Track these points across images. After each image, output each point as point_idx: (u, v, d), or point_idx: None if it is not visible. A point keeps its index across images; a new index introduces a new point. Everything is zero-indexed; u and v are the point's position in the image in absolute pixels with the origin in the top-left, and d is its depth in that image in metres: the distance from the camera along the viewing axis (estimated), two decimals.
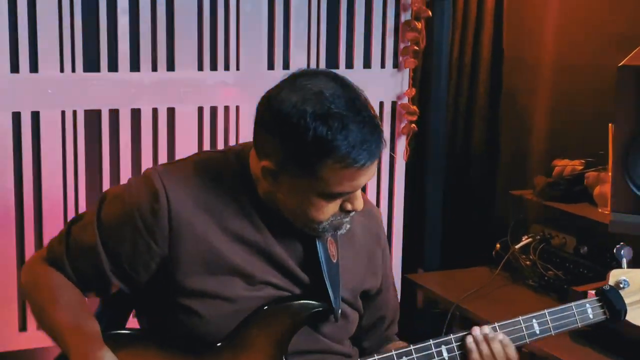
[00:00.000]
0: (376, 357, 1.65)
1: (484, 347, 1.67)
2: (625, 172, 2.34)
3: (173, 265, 1.63)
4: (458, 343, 1.68)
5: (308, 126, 1.50)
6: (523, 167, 3.16)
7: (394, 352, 1.66)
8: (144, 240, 1.62)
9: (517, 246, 2.71)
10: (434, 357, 1.67)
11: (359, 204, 1.62)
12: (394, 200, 2.98)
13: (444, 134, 3.05)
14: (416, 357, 1.66)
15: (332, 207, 1.60)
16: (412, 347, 1.67)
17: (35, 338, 2.56)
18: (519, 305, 2.55)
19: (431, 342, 1.67)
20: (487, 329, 1.69)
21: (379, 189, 2.95)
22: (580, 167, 2.81)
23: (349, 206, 1.61)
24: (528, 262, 2.69)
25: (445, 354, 1.67)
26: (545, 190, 2.77)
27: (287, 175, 1.57)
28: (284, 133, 1.53)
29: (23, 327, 2.58)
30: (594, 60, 2.97)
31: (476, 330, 1.69)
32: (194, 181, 1.66)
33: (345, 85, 1.56)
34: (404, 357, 1.65)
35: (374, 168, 1.58)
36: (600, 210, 2.64)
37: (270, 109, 1.55)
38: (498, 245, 2.81)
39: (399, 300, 2.93)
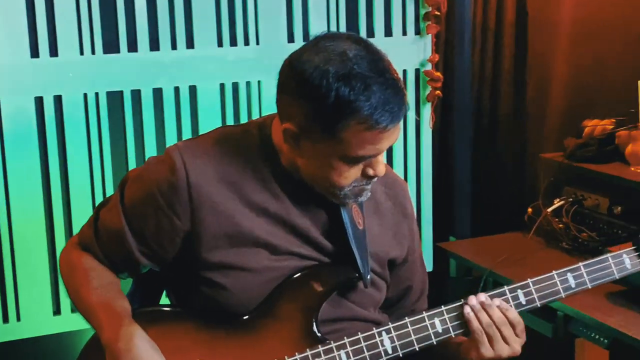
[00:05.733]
0: (407, 320, 1.65)
1: (483, 316, 1.63)
2: None
3: (196, 239, 1.63)
4: (451, 314, 1.65)
5: (330, 87, 1.49)
6: (552, 129, 3.12)
7: (425, 314, 1.65)
8: (167, 216, 1.63)
9: (550, 209, 2.68)
10: (428, 330, 1.64)
11: (381, 169, 1.60)
12: (422, 168, 2.96)
13: (470, 99, 3.01)
14: (447, 317, 1.64)
15: (354, 172, 1.58)
16: (443, 307, 1.65)
17: (69, 321, 2.59)
18: (553, 269, 2.52)
19: (463, 302, 1.65)
20: (482, 296, 1.65)
21: (406, 157, 2.92)
22: (611, 127, 2.77)
23: (370, 171, 1.59)
24: (561, 225, 2.66)
25: (438, 326, 1.65)
26: (576, 151, 2.74)
27: (309, 138, 1.56)
28: (306, 94, 1.51)
29: (57, 311, 2.61)
30: (618, 16, 2.91)
31: (472, 299, 1.65)
32: (214, 155, 1.65)
33: (368, 47, 1.53)
34: (435, 319, 1.64)
35: (396, 131, 1.56)
36: (632, 169, 2.61)
37: (293, 71, 1.54)
38: (530, 210, 2.78)
39: (432, 270, 2.96)
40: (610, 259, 1.72)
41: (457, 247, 2.89)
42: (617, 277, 1.73)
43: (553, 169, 2.78)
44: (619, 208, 2.56)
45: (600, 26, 2.99)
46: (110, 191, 2.57)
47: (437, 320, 1.64)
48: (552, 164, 2.80)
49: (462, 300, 1.66)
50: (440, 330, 1.64)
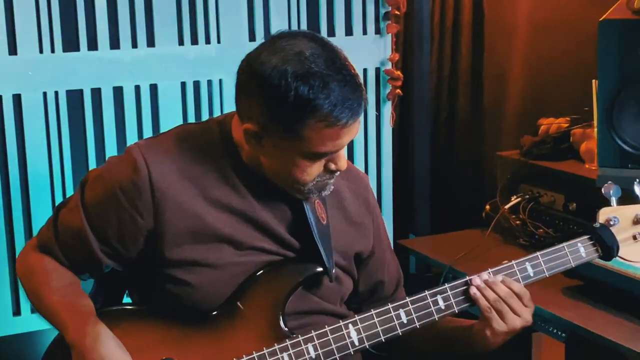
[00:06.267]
0: (373, 312, 1.66)
1: (489, 293, 1.67)
2: (611, 126, 2.38)
3: (160, 237, 1.64)
4: (454, 291, 1.69)
5: (289, 87, 1.51)
6: (509, 127, 3.17)
7: (390, 305, 1.67)
8: (129, 215, 1.63)
9: (507, 206, 2.71)
10: (430, 307, 1.67)
11: (343, 163, 1.63)
12: (382, 167, 2.98)
13: (429, 98, 3.04)
14: (412, 308, 1.67)
15: (316, 168, 1.61)
16: (408, 299, 1.68)
17: (30, 322, 2.56)
18: None
19: (427, 292, 1.68)
20: (485, 274, 1.70)
21: (367, 155, 2.94)
22: (566, 125, 2.83)
23: (332, 166, 1.62)
24: (518, 222, 2.70)
25: (441, 303, 1.68)
26: (532, 149, 2.79)
27: (271, 137, 1.57)
28: (266, 95, 1.53)
29: (17, 312, 2.58)
30: (571, 17, 2.97)
31: (475, 279, 1.69)
32: (176, 152, 1.66)
33: (324, 45, 1.56)
34: (400, 310, 1.67)
35: (357, 126, 1.59)
36: (587, 166, 2.66)
37: (251, 72, 1.56)
38: (488, 207, 2.82)
39: None
40: (566, 247, 1.75)
41: (417, 244, 2.91)
42: (573, 265, 1.76)
43: (510, 166, 2.82)
44: (574, 204, 2.61)
45: (555, 27, 3.04)
46: (70, 191, 2.55)
47: (402, 312, 1.66)
48: (509, 162, 2.83)
49: (426, 291, 1.69)
50: (405, 321, 1.66)
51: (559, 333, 2.24)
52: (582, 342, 2.20)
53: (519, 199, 2.72)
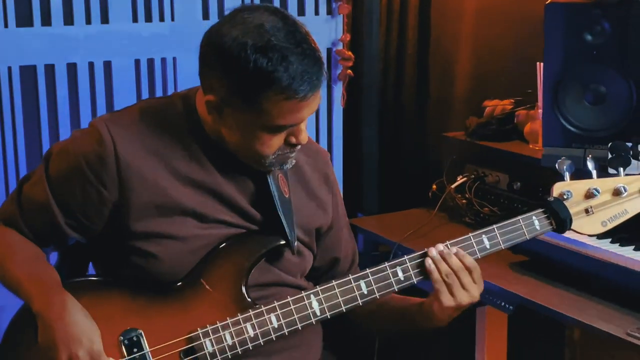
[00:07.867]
0: (334, 283, 1.70)
1: (443, 266, 1.70)
2: (556, 107, 2.45)
3: (125, 209, 1.65)
4: (412, 262, 1.72)
5: (248, 58, 1.53)
6: (457, 110, 3.21)
7: (350, 277, 1.71)
8: (94, 188, 1.64)
9: (453, 186, 2.75)
10: (390, 278, 1.71)
11: (304, 137, 1.65)
12: (333, 147, 3.02)
13: (378, 79, 3.08)
14: (372, 279, 1.71)
15: (276, 141, 1.63)
16: (368, 270, 1.72)
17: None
18: None
19: (386, 264, 1.72)
20: (441, 246, 1.72)
21: (318, 136, 2.98)
22: (510, 107, 2.88)
23: (293, 140, 1.64)
24: (464, 201, 2.74)
25: (400, 274, 1.71)
26: (477, 130, 2.83)
27: (231, 109, 1.60)
28: (226, 67, 1.56)
29: None
30: (518, 2, 3.03)
31: (432, 250, 1.71)
32: (141, 126, 1.68)
33: (285, 18, 1.58)
34: (360, 281, 1.70)
35: (316, 100, 1.61)
36: (531, 146, 2.72)
37: (212, 44, 1.58)
38: (434, 186, 2.85)
39: None
40: (520, 220, 1.79)
41: (365, 223, 2.94)
42: (528, 238, 1.79)
43: (456, 147, 2.86)
44: (519, 184, 2.65)
45: (501, 10, 3.09)
46: (23, 167, 2.54)
47: (362, 283, 1.71)
48: (455, 143, 2.87)
49: (386, 262, 1.72)
50: (365, 292, 1.70)
51: (507, 306, 2.31)
52: (525, 313, 2.28)
53: (465, 179, 2.76)
